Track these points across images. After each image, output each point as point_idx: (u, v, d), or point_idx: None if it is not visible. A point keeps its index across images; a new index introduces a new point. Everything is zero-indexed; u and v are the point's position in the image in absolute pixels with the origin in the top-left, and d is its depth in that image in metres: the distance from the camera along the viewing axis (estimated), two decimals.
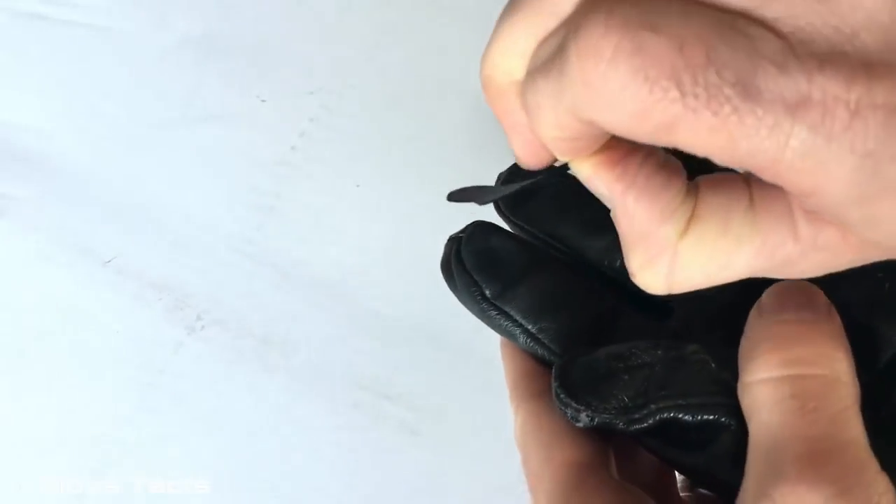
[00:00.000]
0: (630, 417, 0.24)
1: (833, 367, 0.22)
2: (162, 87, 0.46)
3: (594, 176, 0.21)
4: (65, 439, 0.40)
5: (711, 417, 0.24)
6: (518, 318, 0.28)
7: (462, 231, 0.29)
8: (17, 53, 0.47)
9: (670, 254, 0.21)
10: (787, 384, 0.22)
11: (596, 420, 0.24)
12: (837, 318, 0.23)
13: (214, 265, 0.43)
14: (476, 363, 0.40)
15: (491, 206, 0.29)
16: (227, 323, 0.42)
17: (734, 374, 0.24)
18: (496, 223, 0.29)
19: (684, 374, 0.24)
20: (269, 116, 0.45)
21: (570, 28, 0.18)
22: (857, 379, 0.22)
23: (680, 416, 0.24)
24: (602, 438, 0.25)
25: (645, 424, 0.24)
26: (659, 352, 0.25)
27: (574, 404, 0.24)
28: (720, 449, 0.24)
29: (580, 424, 0.24)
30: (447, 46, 0.44)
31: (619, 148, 0.21)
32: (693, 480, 0.25)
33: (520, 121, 0.21)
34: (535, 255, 0.28)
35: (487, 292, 0.28)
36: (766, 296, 0.24)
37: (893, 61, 0.17)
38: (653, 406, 0.24)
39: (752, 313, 0.24)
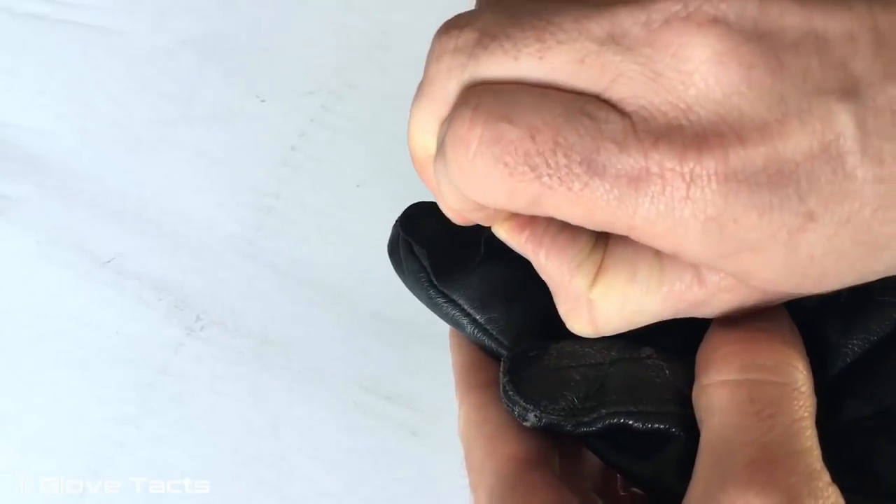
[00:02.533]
0: (579, 420, 0.23)
1: (793, 376, 0.22)
2: (161, 86, 0.46)
3: (508, 239, 0.24)
4: (65, 439, 0.40)
5: (661, 427, 0.23)
6: (466, 306, 0.27)
7: (411, 209, 0.28)
8: (17, 53, 0.47)
9: (585, 302, 0.23)
10: (745, 388, 0.22)
11: (543, 420, 0.23)
12: (797, 331, 0.24)
13: (214, 265, 0.43)
14: None
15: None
16: (227, 323, 0.42)
17: (688, 382, 0.23)
18: None
19: (637, 380, 0.24)
20: (269, 116, 0.45)
21: (448, 119, 0.21)
22: (814, 392, 0.23)
23: (630, 422, 0.23)
24: (548, 434, 0.25)
25: (593, 428, 0.23)
26: (612, 353, 0.24)
27: (522, 403, 0.23)
28: (667, 458, 0.23)
29: (527, 424, 0.24)
30: None
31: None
32: (636, 486, 0.25)
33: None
34: (489, 244, 0.27)
35: (435, 279, 0.27)
36: None
37: (725, 132, 0.19)
38: (603, 411, 0.23)
39: (714, 320, 0.24)
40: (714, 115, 0.19)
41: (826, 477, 0.21)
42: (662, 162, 0.19)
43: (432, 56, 0.22)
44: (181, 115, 0.45)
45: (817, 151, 0.19)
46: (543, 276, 0.24)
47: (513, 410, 0.24)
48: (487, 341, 0.27)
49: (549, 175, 0.20)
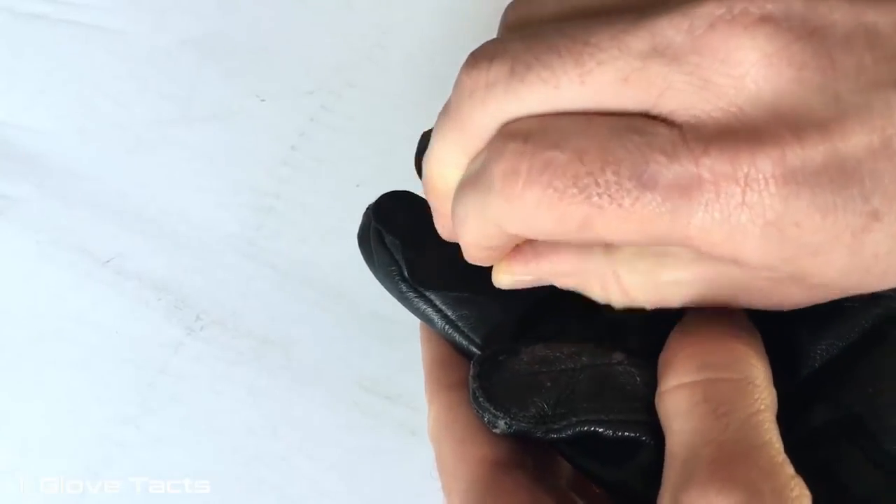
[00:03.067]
0: (549, 427, 0.23)
1: (747, 371, 0.22)
2: (161, 86, 0.46)
3: (516, 283, 0.24)
4: (65, 439, 0.40)
5: (631, 435, 0.23)
6: (437, 302, 0.26)
7: (384, 198, 0.27)
8: (17, 53, 0.47)
9: (612, 276, 0.23)
10: (699, 389, 0.22)
11: (514, 428, 0.23)
12: (756, 332, 0.23)
13: (214, 265, 0.43)
14: None
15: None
16: (227, 323, 0.42)
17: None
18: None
19: (608, 387, 0.23)
20: (268, 116, 0.45)
21: (493, 152, 0.21)
22: (772, 385, 0.22)
23: (600, 430, 0.23)
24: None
25: (563, 435, 0.23)
26: (584, 358, 0.24)
27: (492, 410, 0.23)
28: (637, 465, 0.23)
29: (497, 431, 0.23)
30: (447, 47, 0.44)
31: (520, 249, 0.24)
32: (606, 491, 0.24)
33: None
34: None
35: (406, 272, 0.26)
36: (687, 314, 0.24)
37: (781, 132, 0.19)
38: (574, 419, 0.23)
39: (673, 330, 0.24)
40: (768, 115, 0.19)
41: (789, 469, 0.20)
42: (714, 167, 0.19)
43: (463, 91, 0.21)
44: (181, 115, 0.45)
45: (879, 147, 0.18)
46: (565, 279, 0.24)
47: (482, 417, 0.23)
48: (458, 338, 0.26)
49: (598, 194, 0.19)
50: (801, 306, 0.23)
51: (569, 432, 0.23)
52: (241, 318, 0.42)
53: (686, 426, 0.21)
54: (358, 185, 0.43)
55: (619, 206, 0.19)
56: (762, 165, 0.19)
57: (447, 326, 0.26)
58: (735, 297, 0.23)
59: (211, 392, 0.40)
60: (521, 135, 0.20)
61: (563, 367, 0.24)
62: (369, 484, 0.38)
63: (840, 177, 0.19)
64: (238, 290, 0.42)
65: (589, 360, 0.24)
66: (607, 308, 0.24)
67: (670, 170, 0.19)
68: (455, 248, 0.25)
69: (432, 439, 0.26)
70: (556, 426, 0.23)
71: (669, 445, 0.22)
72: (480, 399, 0.23)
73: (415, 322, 0.41)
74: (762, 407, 0.21)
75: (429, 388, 0.27)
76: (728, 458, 0.20)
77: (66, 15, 0.47)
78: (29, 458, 0.39)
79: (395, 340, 0.41)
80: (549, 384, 0.23)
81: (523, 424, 0.23)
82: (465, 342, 0.26)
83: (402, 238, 0.26)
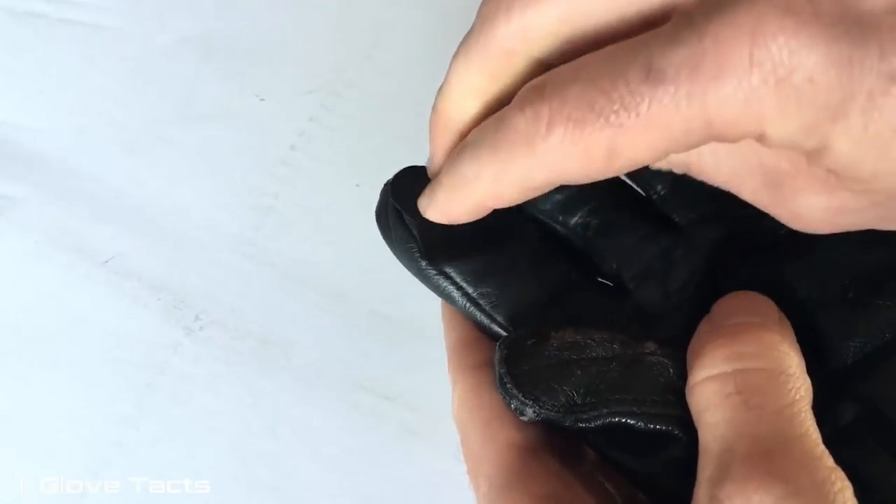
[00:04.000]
0: (578, 417, 0.22)
1: (779, 361, 0.21)
2: (160, 86, 0.46)
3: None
4: (65, 439, 0.40)
5: (663, 428, 0.22)
6: (457, 279, 0.26)
7: (402, 174, 0.27)
8: (17, 53, 0.47)
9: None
10: (730, 380, 0.21)
11: (541, 416, 0.22)
12: (787, 322, 0.23)
13: (213, 265, 0.43)
14: None
15: None
16: (226, 323, 0.42)
17: None
18: None
19: (640, 378, 0.23)
20: (268, 116, 0.45)
21: (513, 107, 0.21)
22: (806, 375, 0.22)
23: (631, 422, 0.22)
24: None
25: (592, 425, 0.22)
26: (615, 346, 0.23)
27: (521, 397, 0.22)
28: (667, 459, 0.22)
29: (524, 418, 0.22)
30: (447, 46, 0.44)
31: None
32: (634, 484, 0.24)
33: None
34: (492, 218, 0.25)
35: (425, 249, 0.26)
36: (716, 305, 0.24)
37: None
38: (604, 409, 0.22)
39: (701, 322, 0.23)
40: None
41: (829, 461, 0.20)
42: (718, 34, 0.18)
43: (489, 5, 0.22)
44: (181, 115, 0.45)
45: None
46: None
47: (509, 403, 0.22)
48: (480, 316, 0.25)
49: (615, 111, 0.19)
50: (827, 225, 0.22)
51: (598, 423, 0.22)
52: (241, 318, 0.42)
53: (719, 419, 0.21)
54: (358, 185, 0.43)
55: (637, 114, 0.19)
56: (767, 17, 0.18)
57: (468, 304, 0.25)
58: (762, 190, 0.22)
59: (210, 392, 0.40)
60: (537, 87, 0.20)
61: (594, 354, 0.23)
62: (369, 484, 0.38)
63: (857, 30, 0.18)
64: (238, 290, 0.42)
65: (621, 348, 0.23)
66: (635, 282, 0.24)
67: (676, 54, 0.18)
68: (475, 225, 0.24)
69: (457, 422, 0.25)
70: (585, 416, 0.22)
71: (703, 439, 0.21)
72: (508, 385, 0.22)
73: (415, 322, 0.41)
74: (797, 397, 0.21)
75: (452, 370, 0.26)
76: (764, 452, 0.20)
77: (65, 14, 0.47)
78: (29, 458, 0.39)
79: (395, 340, 0.41)
80: (579, 372, 0.22)
81: (552, 413, 0.22)
82: (486, 320, 0.25)
83: (419, 214, 0.25)
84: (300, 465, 0.39)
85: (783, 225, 0.22)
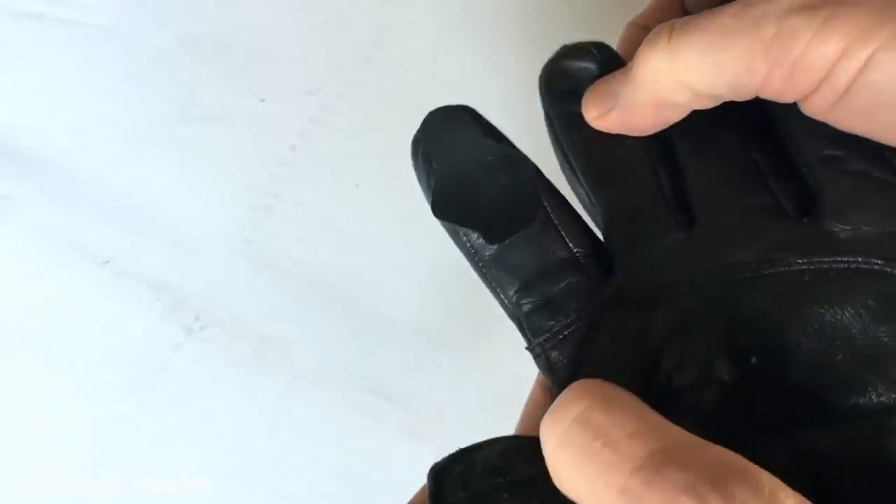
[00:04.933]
0: None
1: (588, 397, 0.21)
2: (160, 86, 0.46)
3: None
4: (65, 439, 0.40)
5: None
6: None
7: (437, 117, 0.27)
8: (17, 53, 0.47)
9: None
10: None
11: None
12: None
13: (213, 265, 0.43)
14: (476, 364, 0.40)
15: None
16: (226, 323, 0.42)
17: None
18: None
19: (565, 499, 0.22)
20: (268, 116, 0.45)
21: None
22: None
23: None
24: None
25: None
26: (540, 463, 0.22)
27: None
28: None
29: None
30: (447, 46, 0.44)
31: None
32: None
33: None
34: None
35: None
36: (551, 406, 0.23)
37: None
38: None
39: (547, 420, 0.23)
40: None
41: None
42: None
43: None
44: (180, 115, 0.45)
45: None
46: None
47: None
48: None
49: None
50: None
51: None
52: (241, 318, 0.42)
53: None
54: (358, 185, 0.43)
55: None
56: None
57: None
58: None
59: (210, 392, 0.40)
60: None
61: (519, 476, 0.23)
62: (369, 484, 0.38)
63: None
64: (237, 290, 0.42)
65: (545, 465, 0.23)
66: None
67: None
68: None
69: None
70: None
71: None
72: None
73: (415, 322, 0.41)
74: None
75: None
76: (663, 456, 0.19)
77: (65, 15, 0.47)
78: (29, 458, 0.39)
79: (395, 340, 0.41)
80: (505, 496, 0.22)
81: None
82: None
83: (446, 165, 0.26)
84: (300, 465, 0.39)
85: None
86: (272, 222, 0.43)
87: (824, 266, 0.23)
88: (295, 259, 0.43)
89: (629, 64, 0.26)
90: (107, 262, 0.43)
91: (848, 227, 0.24)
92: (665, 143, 0.27)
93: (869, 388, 0.22)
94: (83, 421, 0.40)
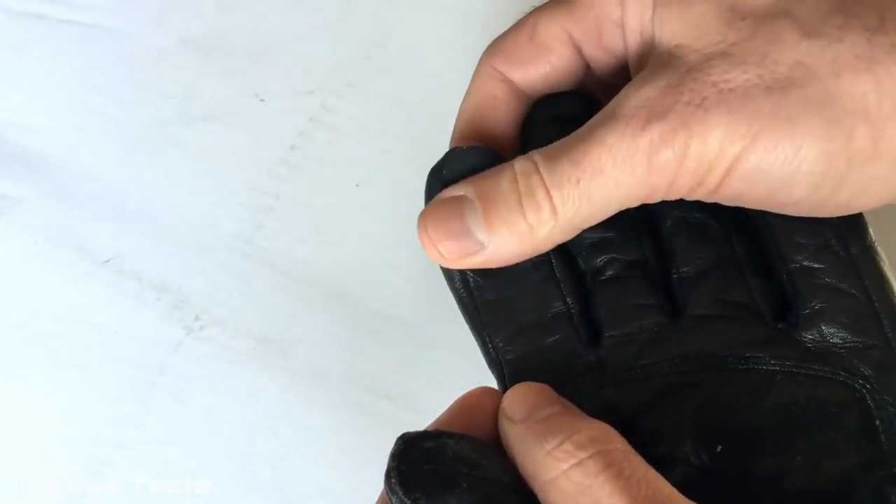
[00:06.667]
0: None
1: (616, 440, 0.23)
2: (160, 86, 0.46)
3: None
4: (65, 439, 0.40)
5: None
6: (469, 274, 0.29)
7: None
8: (17, 53, 0.47)
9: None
10: (596, 461, 0.22)
11: None
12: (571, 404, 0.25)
13: (213, 265, 0.43)
14: (476, 364, 0.40)
15: None
16: (226, 323, 0.42)
17: None
18: None
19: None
20: (268, 116, 0.45)
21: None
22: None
23: None
24: None
25: None
26: (506, 477, 0.24)
27: (401, 495, 0.23)
28: None
29: None
30: (447, 46, 0.44)
31: None
32: None
33: None
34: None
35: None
36: (508, 403, 0.25)
37: None
38: None
39: (503, 423, 0.25)
40: None
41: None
42: None
43: None
44: (180, 115, 0.45)
45: None
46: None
47: (390, 499, 0.23)
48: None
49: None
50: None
51: None
52: (241, 318, 0.42)
53: (602, 494, 0.22)
54: (358, 185, 0.43)
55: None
56: None
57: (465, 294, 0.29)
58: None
59: (211, 392, 0.40)
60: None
61: (484, 475, 0.23)
62: (369, 484, 0.38)
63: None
64: (237, 290, 0.42)
65: (510, 479, 0.24)
66: None
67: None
68: None
69: None
70: None
71: None
72: (393, 481, 0.23)
73: (415, 322, 0.41)
74: (646, 465, 0.23)
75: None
76: None
77: (65, 15, 0.47)
78: (29, 458, 0.39)
79: (395, 340, 0.41)
80: (465, 485, 0.23)
81: None
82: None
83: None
84: (300, 465, 0.39)
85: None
86: (272, 222, 0.43)
87: (794, 370, 0.26)
88: (295, 259, 0.43)
89: (478, 192, 0.27)
90: (107, 261, 0.43)
91: (818, 339, 0.26)
92: (650, 214, 0.29)
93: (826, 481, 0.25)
94: (83, 420, 0.40)
